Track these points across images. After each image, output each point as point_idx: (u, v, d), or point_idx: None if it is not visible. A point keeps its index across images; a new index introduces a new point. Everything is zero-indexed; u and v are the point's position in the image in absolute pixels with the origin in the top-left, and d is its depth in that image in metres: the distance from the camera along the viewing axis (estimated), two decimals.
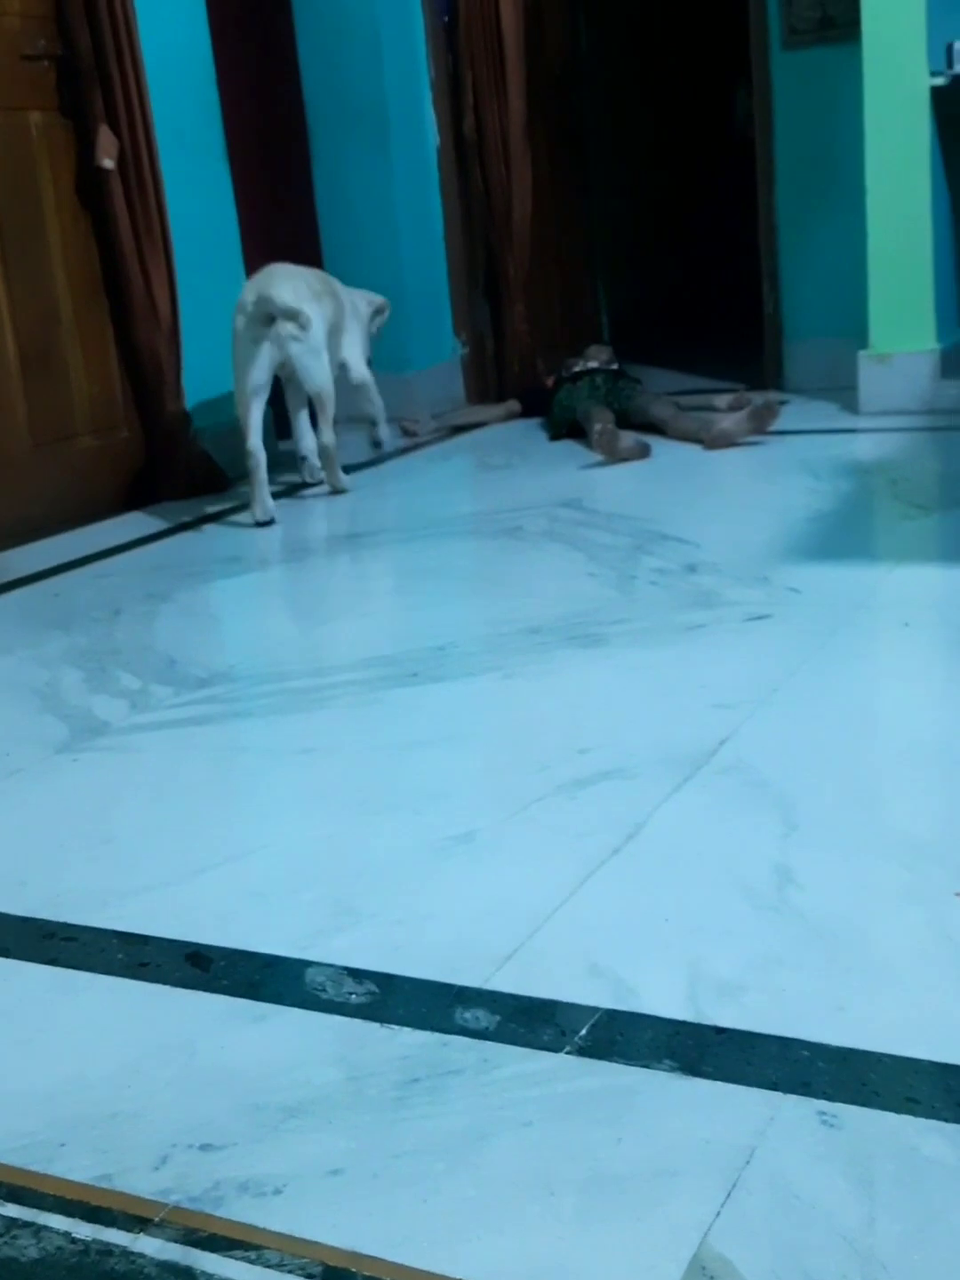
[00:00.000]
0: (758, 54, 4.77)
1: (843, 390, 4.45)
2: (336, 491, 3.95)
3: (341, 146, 5.02)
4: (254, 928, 1.62)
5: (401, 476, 4.31)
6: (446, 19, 5.09)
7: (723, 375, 5.19)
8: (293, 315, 3.64)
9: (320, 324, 3.78)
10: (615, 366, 4.56)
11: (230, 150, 4.43)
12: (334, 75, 4.97)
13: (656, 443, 4.10)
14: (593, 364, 4.55)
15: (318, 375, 3.79)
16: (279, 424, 4.35)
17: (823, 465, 3.70)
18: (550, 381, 4.67)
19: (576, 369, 4.54)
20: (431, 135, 5.18)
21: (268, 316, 3.65)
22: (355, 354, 4.22)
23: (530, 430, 4.72)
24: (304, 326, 3.68)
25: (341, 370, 4.12)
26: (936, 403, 4.21)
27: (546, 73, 5.36)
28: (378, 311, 4.43)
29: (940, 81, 4.10)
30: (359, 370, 4.25)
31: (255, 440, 3.72)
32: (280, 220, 5.01)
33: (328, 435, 3.84)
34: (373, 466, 4.41)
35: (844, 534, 3.09)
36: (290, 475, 4.24)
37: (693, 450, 4.07)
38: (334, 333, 3.96)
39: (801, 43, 4.68)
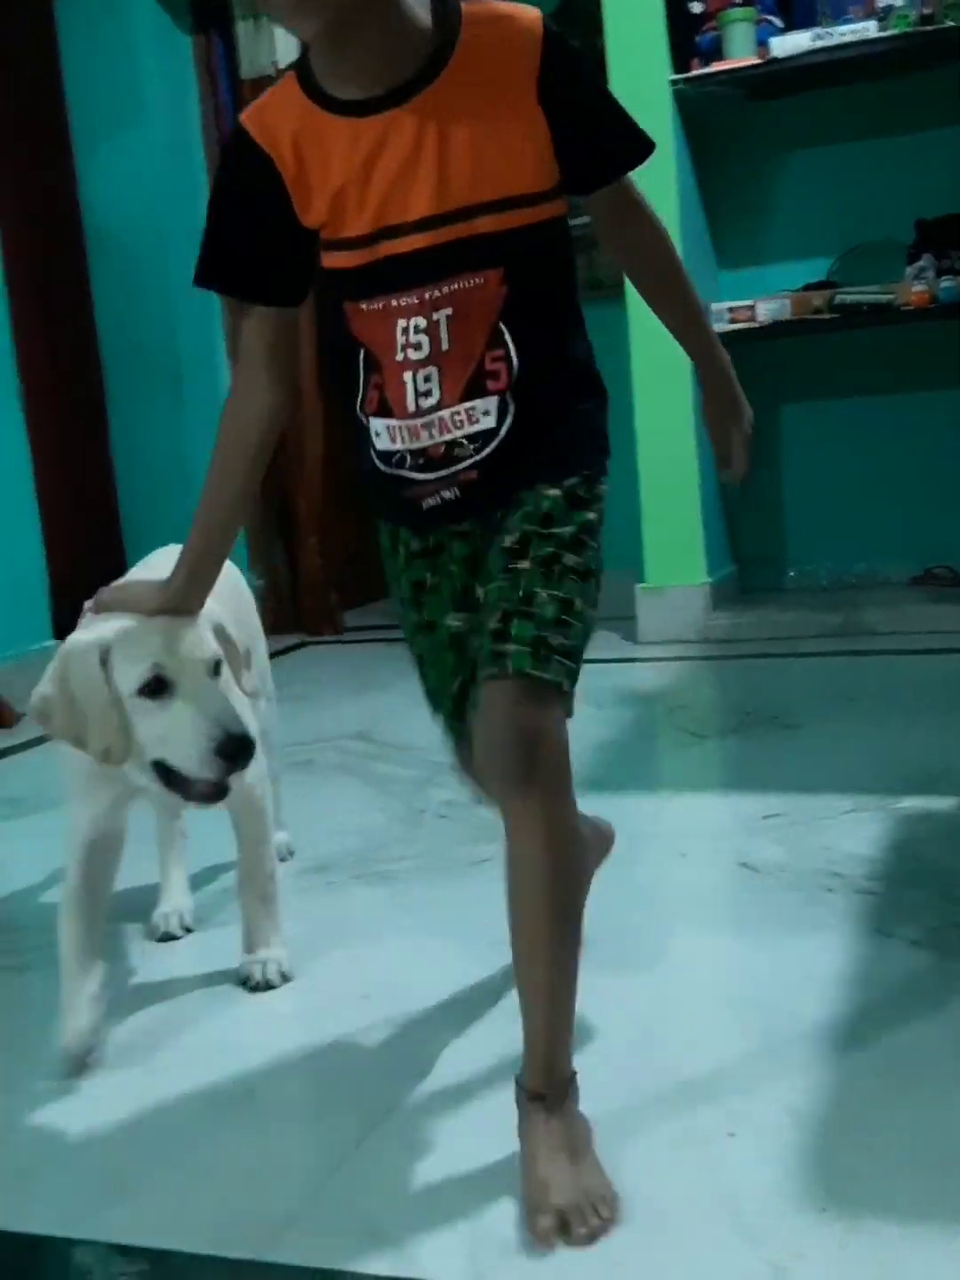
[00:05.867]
0: None
1: (622, 620, 4.66)
2: None
3: (136, 394, 5.16)
4: None
5: None
6: None
7: None
8: None
9: None
10: None
11: (25, 396, 4.52)
12: (128, 325, 5.13)
13: None
14: None
15: None
16: None
17: (604, 694, 3.85)
18: None
19: None
20: (225, 383, 5.34)
21: None
22: None
23: (326, 657, 4.80)
24: None
25: None
26: (709, 633, 4.45)
27: None
28: None
29: None
30: None
31: None
32: (76, 464, 5.09)
33: None
34: None
35: (625, 763, 3.21)
36: None
37: None
38: None
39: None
